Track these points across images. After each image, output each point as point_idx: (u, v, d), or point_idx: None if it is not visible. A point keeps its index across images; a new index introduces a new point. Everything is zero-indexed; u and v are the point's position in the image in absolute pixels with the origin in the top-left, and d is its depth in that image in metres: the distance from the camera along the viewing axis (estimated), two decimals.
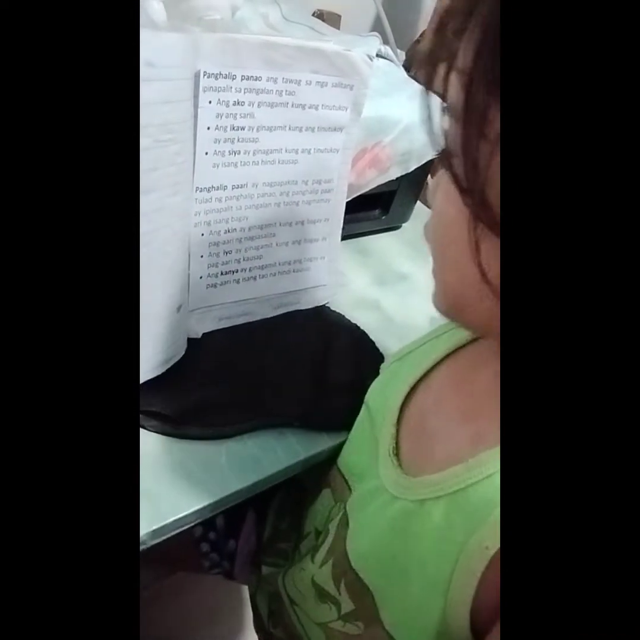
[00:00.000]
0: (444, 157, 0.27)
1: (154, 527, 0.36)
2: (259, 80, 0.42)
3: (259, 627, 0.53)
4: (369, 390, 0.44)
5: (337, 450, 0.45)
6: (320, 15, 0.90)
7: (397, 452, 0.37)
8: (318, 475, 0.47)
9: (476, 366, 0.37)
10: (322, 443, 0.44)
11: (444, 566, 0.30)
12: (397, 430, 0.38)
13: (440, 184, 0.30)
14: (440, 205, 0.31)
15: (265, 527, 0.56)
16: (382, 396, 0.42)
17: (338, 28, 0.91)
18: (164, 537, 0.37)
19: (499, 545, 0.27)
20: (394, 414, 0.39)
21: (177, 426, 0.42)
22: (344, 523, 0.39)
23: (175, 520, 0.37)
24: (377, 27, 1.06)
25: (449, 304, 0.33)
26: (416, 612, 0.32)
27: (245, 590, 0.63)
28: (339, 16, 0.93)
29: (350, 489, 0.41)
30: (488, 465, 0.29)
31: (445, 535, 0.30)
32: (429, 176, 0.77)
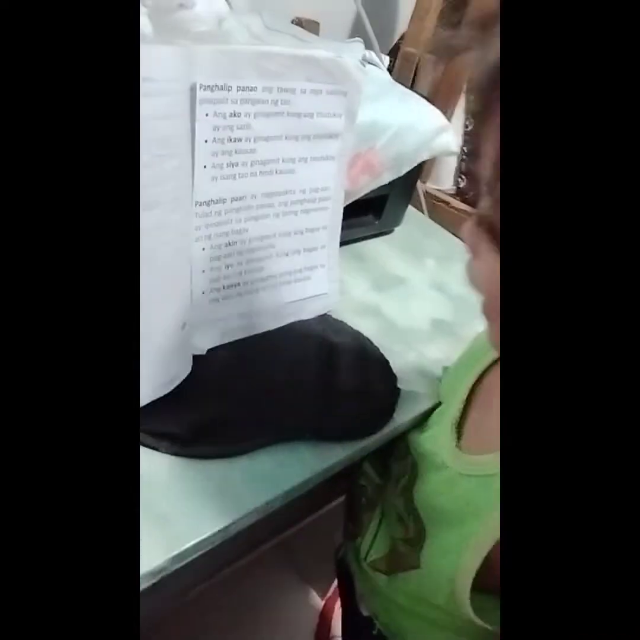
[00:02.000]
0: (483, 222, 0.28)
1: (174, 553, 0.35)
2: (255, 91, 0.41)
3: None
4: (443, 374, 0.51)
5: (352, 459, 0.44)
6: (299, 22, 0.90)
7: (459, 426, 0.43)
8: None
9: None
10: (337, 454, 0.43)
11: (468, 532, 0.36)
12: (464, 407, 0.44)
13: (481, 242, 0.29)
14: (488, 266, 0.29)
15: None
16: (455, 376, 0.48)
17: (317, 35, 0.91)
18: (185, 562, 0.36)
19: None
20: (464, 391, 0.44)
21: (188, 446, 0.41)
22: (414, 470, 0.46)
23: (195, 545, 0.36)
24: (354, 33, 1.06)
25: None
26: (440, 556, 0.39)
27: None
28: (317, 23, 0.93)
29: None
30: None
31: (471, 508, 0.37)
32: (419, 181, 0.77)
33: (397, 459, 0.49)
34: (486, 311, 0.32)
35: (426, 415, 0.49)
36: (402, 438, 0.49)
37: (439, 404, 0.49)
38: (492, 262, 0.28)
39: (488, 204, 0.27)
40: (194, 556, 0.36)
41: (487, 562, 0.35)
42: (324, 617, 1.05)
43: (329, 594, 1.06)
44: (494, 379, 0.44)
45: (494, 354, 0.44)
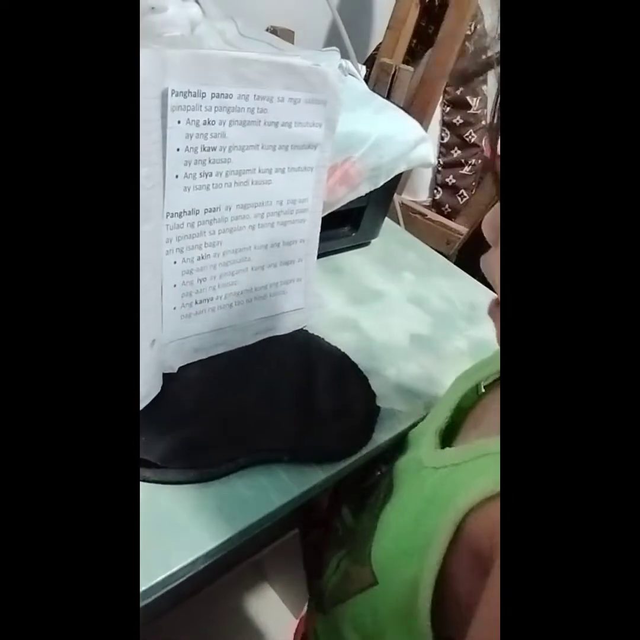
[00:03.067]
0: None
1: (143, 588, 0.33)
2: (230, 98, 0.40)
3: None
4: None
5: (331, 482, 0.42)
6: (274, 31, 0.89)
7: (443, 433, 0.41)
8: None
9: None
10: (315, 477, 0.41)
11: (430, 527, 0.33)
12: (451, 416, 0.42)
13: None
14: None
15: None
16: (451, 390, 0.46)
17: (292, 43, 0.90)
18: (154, 597, 0.33)
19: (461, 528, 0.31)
20: (453, 402, 0.43)
21: (158, 471, 0.38)
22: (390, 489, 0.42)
23: (165, 578, 0.34)
24: (330, 42, 1.05)
25: None
26: (399, 564, 0.35)
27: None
28: (292, 32, 0.92)
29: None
30: (481, 449, 0.33)
31: (435, 499, 0.34)
32: (395, 193, 0.76)
33: (373, 488, 0.47)
34: (493, 310, 0.34)
35: (404, 435, 0.48)
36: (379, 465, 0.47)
37: (419, 422, 0.48)
38: None
39: None
40: (160, 592, 0.34)
41: (451, 555, 0.32)
42: (297, 636, 1.02)
43: (303, 612, 1.04)
44: (487, 402, 0.43)
45: (484, 373, 0.44)
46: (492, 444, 0.33)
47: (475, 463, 0.33)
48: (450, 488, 0.34)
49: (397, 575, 0.35)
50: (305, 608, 1.02)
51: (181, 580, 0.35)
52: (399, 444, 0.47)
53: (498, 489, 0.29)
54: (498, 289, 0.32)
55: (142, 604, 0.33)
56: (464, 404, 0.44)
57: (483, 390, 0.43)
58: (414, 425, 0.48)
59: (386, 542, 0.38)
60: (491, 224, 0.31)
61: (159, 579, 0.33)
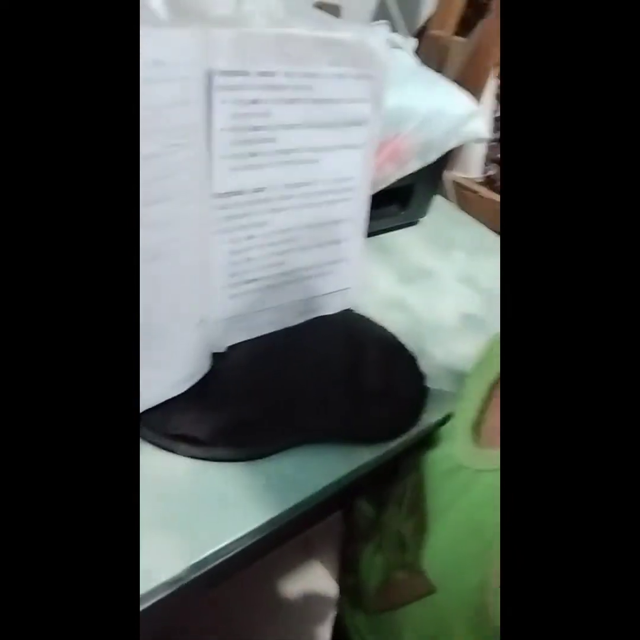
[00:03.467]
0: None
1: (194, 561, 0.34)
2: (275, 76, 0.39)
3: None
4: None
5: (378, 463, 0.42)
6: (320, 6, 0.88)
7: (477, 426, 0.40)
8: None
9: None
10: (364, 456, 0.41)
11: (491, 533, 0.32)
12: (484, 406, 0.41)
13: None
14: None
15: None
16: (473, 377, 0.44)
17: (339, 18, 0.88)
18: (205, 570, 0.34)
19: None
20: (483, 391, 0.41)
21: (207, 449, 0.39)
22: (421, 487, 0.41)
23: (215, 552, 0.34)
24: (378, 17, 1.03)
25: None
26: (460, 570, 0.34)
27: None
28: (339, 7, 0.91)
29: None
30: None
31: (491, 505, 0.33)
32: (446, 170, 0.74)
33: (396, 482, 0.46)
34: None
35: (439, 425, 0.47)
36: (404, 458, 0.46)
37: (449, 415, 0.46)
38: None
39: None
40: (213, 565, 0.35)
41: None
42: None
43: None
44: None
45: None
46: None
47: None
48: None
49: (460, 582, 0.34)
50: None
51: (231, 554, 0.36)
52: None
53: None
54: None
55: (192, 577, 0.34)
56: (492, 389, 0.42)
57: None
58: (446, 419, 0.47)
59: (441, 549, 0.37)
60: None
61: (210, 552, 0.34)
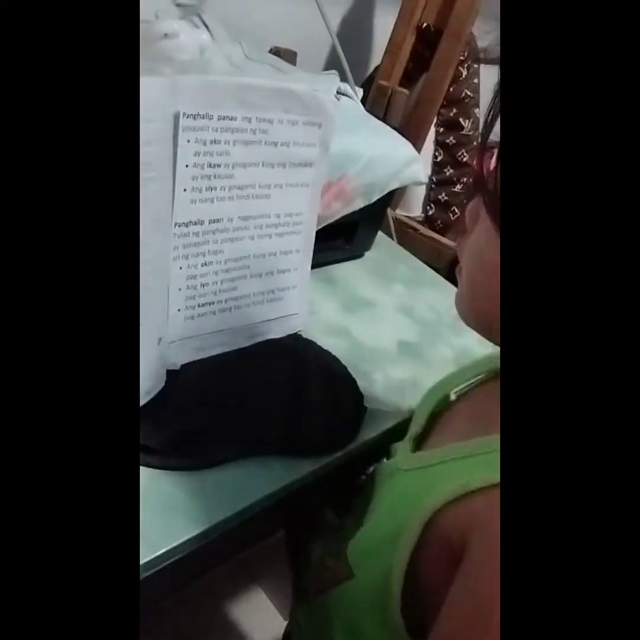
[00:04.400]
0: (488, 199, 0.31)
1: (147, 559, 0.36)
2: (235, 120, 0.44)
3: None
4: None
5: (319, 474, 0.46)
6: (277, 52, 0.93)
7: (419, 439, 0.44)
8: None
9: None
10: (306, 467, 0.45)
11: (400, 522, 0.35)
12: (426, 424, 0.45)
13: (482, 219, 0.34)
14: (479, 244, 0.35)
15: None
16: (422, 402, 0.49)
17: (294, 64, 0.94)
18: (157, 568, 0.37)
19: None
20: (427, 411, 0.46)
21: (161, 458, 0.42)
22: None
23: (166, 552, 0.37)
24: (330, 63, 1.10)
25: (476, 320, 0.38)
26: (372, 557, 0.37)
27: None
28: (295, 53, 0.96)
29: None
30: (448, 453, 0.36)
31: (407, 497, 0.37)
32: (389, 209, 0.80)
33: (358, 492, 0.49)
34: (465, 281, 0.37)
35: (389, 435, 0.51)
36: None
37: (403, 422, 0.51)
38: (482, 238, 0.34)
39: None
40: (165, 563, 0.37)
41: (420, 550, 0.34)
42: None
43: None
44: (459, 406, 0.45)
45: (458, 381, 0.46)
46: (458, 448, 0.36)
47: (443, 466, 0.36)
48: (419, 488, 0.37)
49: (371, 568, 0.37)
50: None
51: (181, 555, 0.38)
52: (384, 452, 0.50)
53: (464, 490, 0.32)
54: (465, 267, 0.37)
55: (144, 575, 0.37)
56: (436, 411, 0.46)
57: (454, 397, 0.45)
58: (399, 427, 0.52)
59: (362, 538, 0.40)
60: (470, 213, 0.37)
61: (162, 551, 0.37)
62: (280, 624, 1.06)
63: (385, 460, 0.49)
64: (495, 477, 0.30)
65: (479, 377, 0.45)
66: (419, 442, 0.45)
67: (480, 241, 0.35)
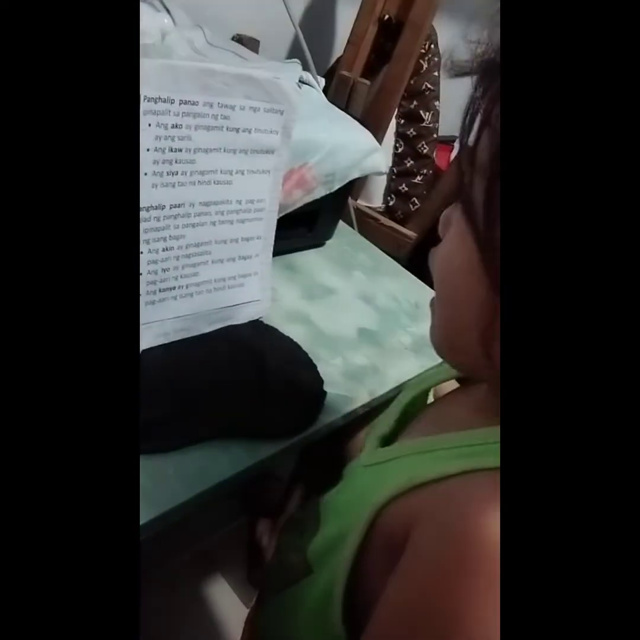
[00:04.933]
0: (466, 203, 0.28)
1: None
2: (196, 105, 0.44)
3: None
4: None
5: (279, 457, 0.47)
6: (239, 39, 0.93)
7: (385, 440, 0.43)
8: None
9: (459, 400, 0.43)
10: (265, 450, 0.46)
11: (351, 519, 0.34)
12: (396, 425, 0.45)
13: (453, 224, 0.32)
14: (451, 247, 0.32)
15: None
16: (398, 399, 0.48)
17: (256, 52, 0.94)
18: None
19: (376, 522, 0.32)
20: (396, 413, 0.45)
21: None
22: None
23: None
24: (293, 52, 1.10)
25: (442, 339, 0.35)
26: (326, 555, 0.36)
27: None
28: (258, 41, 0.96)
29: None
30: (405, 449, 0.36)
31: (360, 494, 0.36)
32: (350, 198, 0.81)
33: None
34: (435, 300, 0.35)
35: (349, 419, 0.52)
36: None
37: (361, 407, 0.52)
38: (453, 241, 0.32)
39: (480, 188, 0.28)
40: None
41: (366, 545, 0.33)
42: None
43: (255, 602, 1.07)
44: (430, 408, 0.46)
45: (425, 385, 0.46)
46: (410, 445, 0.36)
47: (398, 462, 0.35)
48: (370, 485, 0.36)
49: (324, 569, 0.36)
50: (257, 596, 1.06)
51: (143, 538, 0.39)
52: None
53: (409, 485, 0.31)
54: (435, 274, 0.35)
55: None
56: (410, 411, 0.46)
57: (432, 399, 0.46)
58: (360, 412, 0.53)
59: (320, 534, 0.39)
60: (443, 222, 0.34)
61: None
62: (242, 611, 1.07)
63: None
64: (441, 470, 0.30)
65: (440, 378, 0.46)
66: (387, 442, 0.44)
67: (451, 244, 0.32)
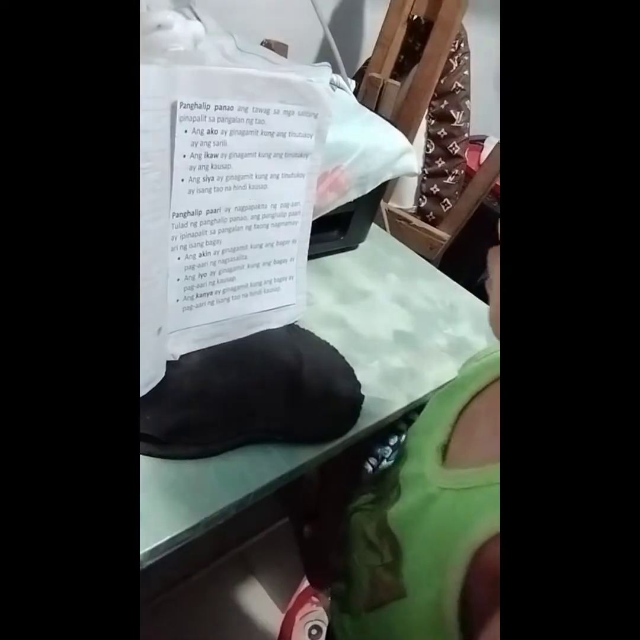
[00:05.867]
0: None
1: (150, 547, 0.36)
2: (231, 110, 0.44)
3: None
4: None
5: (319, 461, 0.46)
6: (268, 44, 0.93)
7: (445, 448, 0.42)
8: None
9: None
10: (305, 455, 0.46)
11: (446, 550, 0.33)
12: (452, 431, 0.43)
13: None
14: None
15: None
16: (440, 404, 0.47)
17: (286, 57, 0.94)
18: (160, 557, 0.37)
19: (486, 544, 0.31)
20: (451, 417, 0.44)
21: (163, 447, 0.42)
22: (397, 490, 0.43)
23: (169, 540, 0.37)
24: (321, 56, 1.10)
25: (496, 318, 0.36)
26: (423, 581, 0.36)
27: None
28: (286, 46, 0.97)
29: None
30: (492, 476, 0.34)
31: (449, 523, 0.35)
32: (382, 201, 0.81)
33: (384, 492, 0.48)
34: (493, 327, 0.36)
35: (391, 422, 0.51)
36: (389, 472, 0.48)
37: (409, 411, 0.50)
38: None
39: None
40: (168, 551, 0.38)
41: (469, 579, 0.33)
42: (285, 629, 1.06)
43: (290, 606, 1.07)
44: (478, 407, 0.44)
45: (478, 383, 0.45)
46: (494, 472, 0.34)
47: (481, 493, 0.34)
48: (459, 516, 0.35)
49: (422, 592, 0.36)
50: (293, 600, 1.06)
51: (184, 542, 0.39)
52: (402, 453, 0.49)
53: None
54: (492, 276, 0.36)
55: (147, 563, 0.37)
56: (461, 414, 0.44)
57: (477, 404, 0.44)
58: (402, 415, 0.52)
59: (411, 558, 0.39)
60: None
61: (166, 538, 0.37)
62: (276, 615, 1.07)
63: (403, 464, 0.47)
64: None
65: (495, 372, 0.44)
66: (443, 450, 0.43)
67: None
